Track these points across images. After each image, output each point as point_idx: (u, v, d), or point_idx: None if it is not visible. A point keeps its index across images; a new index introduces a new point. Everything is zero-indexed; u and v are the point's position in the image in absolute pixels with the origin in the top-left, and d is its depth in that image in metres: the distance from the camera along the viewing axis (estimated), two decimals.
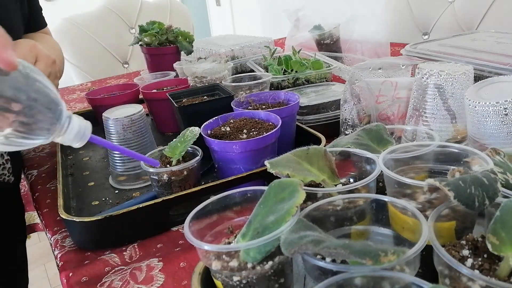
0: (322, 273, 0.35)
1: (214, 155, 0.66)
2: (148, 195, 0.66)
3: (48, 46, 0.82)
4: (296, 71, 1.02)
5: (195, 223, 0.42)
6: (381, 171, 0.45)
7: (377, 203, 0.42)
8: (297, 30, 1.41)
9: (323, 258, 0.35)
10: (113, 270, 0.53)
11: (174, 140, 0.66)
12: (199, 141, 0.65)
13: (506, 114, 0.51)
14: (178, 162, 0.64)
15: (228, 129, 0.68)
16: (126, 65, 1.89)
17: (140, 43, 1.25)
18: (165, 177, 0.62)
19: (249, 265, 0.38)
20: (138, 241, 0.59)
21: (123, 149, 0.60)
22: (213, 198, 0.44)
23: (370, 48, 1.25)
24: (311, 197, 0.43)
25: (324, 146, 0.55)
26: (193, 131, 0.65)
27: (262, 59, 1.20)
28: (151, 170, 0.62)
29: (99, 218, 0.55)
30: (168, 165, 0.64)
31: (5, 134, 0.43)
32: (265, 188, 0.41)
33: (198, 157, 0.64)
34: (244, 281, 0.38)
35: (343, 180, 0.51)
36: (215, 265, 0.38)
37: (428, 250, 0.35)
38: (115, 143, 0.73)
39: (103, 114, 0.74)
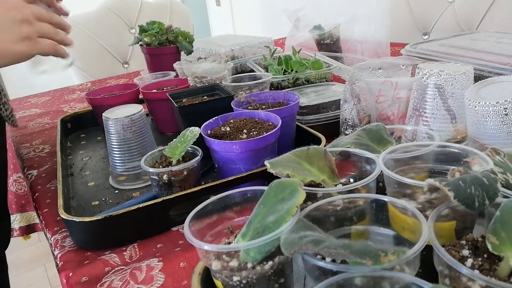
0: (322, 273, 0.35)
1: (214, 155, 0.66)
2: (148, 195, 0.66)
3: None
4: (296, 71, 1.02)
5: (195, 223, 0.42)
6: (381, 171, 0.45)
7: (377, 203, 0.42)
8: (297, 30, 1.41)
9: (323, 258, 0.35)
10: (113, 270, 0.53)
11: (174, 140, 0.66)
12: (199, 141, 0.65)
13: (506, 114, 0.51)
14: (178, 162, 0.64)
15: (228, 129, 0.68)
16: (126, 65, 1.89)
17: (140, 43, 1.25)
18: (165, 177, 0.62)
19: (249, 265, 0.38)
20: (138, 241, 0.59)
21: None
22: (213, 198, 0.44)
23: (370, 48, 1.24)
24: (311, 197, 0.43)
25: (324, 146, 0.55)
26: (193, 131, 0.65)
27: (262, 59, 1.20)
28: (151, 170, 0.62)
29: (99, 218, 0.55)
30: (168, 165, 0.64)
31: None
32: (265, 188, 0.41)
33: (198, 157, 0.64)
34: (244, 281, 0.38)
35: (343, 180, 0.51)
36: (215, 265, 0.39)
37: (428, 250, 0.35)
38: (115, 144, 0.73)
39: (103, 114, 0.74)
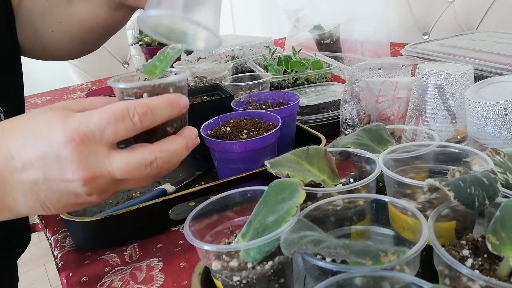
0: (322, 273, 0.35)
1: (214, 155, 0.66)
2: (148, 195, 0.66)
3: None
4: (296, 71, 1.02)
5: (195, 223, 0.42)
6: (381, 171, 0.45)
7: (377, 203, 0.42)
8: (297, 30, 1.41)
9: (323, 258, 0.35)
10: (113, 270, 0.53)
11: (149, 60, 0.48)
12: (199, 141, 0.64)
13: (506, 114, 0.51)
14: None
15: (228, 129, 0.68)
16: (126, 65, 1.89)
17: (140, 43, 1.25)
18: (144, 96, 0.43)
19: (249, 265, 0.38)
20: (138, 241, 0.59)
21: None
22: (213, 198, 0.44)
23: (370, 48, 1.24)
24: (311, 197, 0.43)
25: (324, 146, 0.55)
26: (175, 48, 0.48)
27: (262, 59, 1.20)
28: (123, 86, 0.43)
29: (99, 218, 0.55)
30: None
31: None
32: (265, 188, 0.41)
33: (184, 73, 0.48)
34: (244, 281, 0.38)
35: (343, 180, 0.51)
36: (215, 265, 0.39)
37: (428, 250, 0.35)
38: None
39: None
